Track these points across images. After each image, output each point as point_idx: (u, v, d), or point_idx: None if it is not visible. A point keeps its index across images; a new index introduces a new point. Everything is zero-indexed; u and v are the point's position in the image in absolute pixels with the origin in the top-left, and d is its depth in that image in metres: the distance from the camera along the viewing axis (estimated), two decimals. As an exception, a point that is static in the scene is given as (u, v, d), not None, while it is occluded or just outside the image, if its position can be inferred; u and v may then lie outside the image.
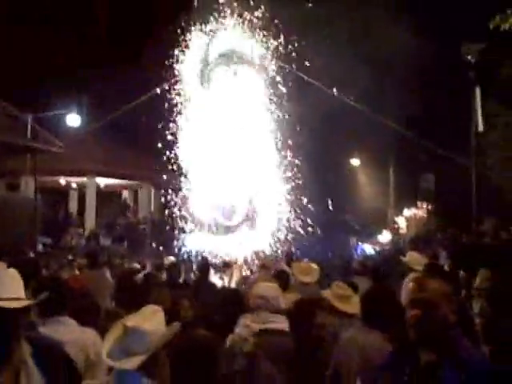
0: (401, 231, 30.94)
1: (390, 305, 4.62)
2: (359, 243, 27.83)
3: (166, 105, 19.15)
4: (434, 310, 3.51)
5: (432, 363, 3.47)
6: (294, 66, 19.17)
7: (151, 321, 3.10)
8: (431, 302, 3.53)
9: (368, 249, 25.65)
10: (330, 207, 24.63)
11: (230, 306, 4.88)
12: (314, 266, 7.50)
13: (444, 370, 3.42)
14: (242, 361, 3.63)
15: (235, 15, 18.86)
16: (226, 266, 11.86)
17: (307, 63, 19.36)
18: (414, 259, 8.87)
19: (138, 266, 12.16)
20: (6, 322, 2.97)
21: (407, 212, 31.50)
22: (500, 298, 6.08)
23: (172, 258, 12.21)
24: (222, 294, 5.57)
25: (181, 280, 9.46)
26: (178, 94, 19.28)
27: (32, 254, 16.06)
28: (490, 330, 5.17)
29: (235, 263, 12.47)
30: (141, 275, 10.12)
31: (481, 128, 16.30)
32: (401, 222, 31.66)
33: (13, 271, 3.16)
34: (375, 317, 4.52)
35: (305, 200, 19.30)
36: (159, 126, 19.11)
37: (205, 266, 9.70)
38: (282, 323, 4.50)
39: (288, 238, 18.34)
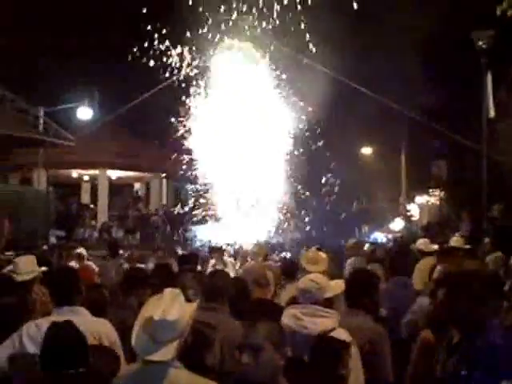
0: (413, 219, 30.85)
1: (374, 288, 4.81)
2: (371, 231, 27.82)
3: (179, 97, 19.26)
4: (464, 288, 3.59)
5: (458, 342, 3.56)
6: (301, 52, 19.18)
7: (174, 307, 3.17)
8: (461, 280, 3.65)
9: (380, 237, 25.60)
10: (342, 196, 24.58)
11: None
12: (323, 254, 7.49)
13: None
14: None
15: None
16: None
17: (316, 50, 19.32)
18: (427, 244, 9.10)
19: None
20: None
21: (419, 199, 31.38)
22: None
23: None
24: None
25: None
26: (190, 85, 19.39)
27: (45, 247, 16.18)
28: None
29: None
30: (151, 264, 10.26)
31: (492, 114, 16.22)
32: (413, 209, 31.55)
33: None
34: (360, 300, 4.77)
35: (316, 189, 19.35)
36: (171, 118, 19.20)
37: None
38: (331, 318, 4.37)
39: (298, 226, 18.43)
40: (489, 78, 15.90)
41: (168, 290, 3.32)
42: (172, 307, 3.17)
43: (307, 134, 19.71)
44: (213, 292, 4.92)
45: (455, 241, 9.98)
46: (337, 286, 4.84)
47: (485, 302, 3.66)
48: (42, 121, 20.27)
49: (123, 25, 24.30)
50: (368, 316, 4.71)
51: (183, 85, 19.54)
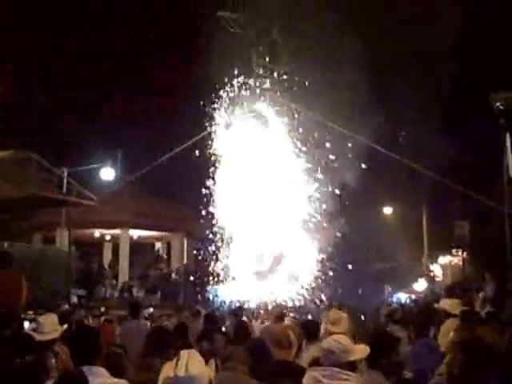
0: (436, 279, 30.48)
1: (392, 350, 4.76)
2: (394, 291, 27.52)
3: (198, 157, 19.43)
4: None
5: None
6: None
7: (194, 365, 3.18)
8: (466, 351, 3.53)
9: (403, 297, 25.30)
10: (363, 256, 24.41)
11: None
12: (344, 315, 7.40)
13: None
14: None
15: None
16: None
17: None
18: (451, 305, 8.81)
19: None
20: None
21: (442, 260, 31.07)
22: None
23: None
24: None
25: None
26: (210, 147, 19.57)
27: (66, 306, 16.18)
28: None
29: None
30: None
31: (512, 174, 16.14)
32: (436, 269, 31.21)
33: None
34: (378, 361, 4.72)
35: (337, 249, 19.24)
36: (191, 178, 19.34)
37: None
38: (352, 381, 4.33)
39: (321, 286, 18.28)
40: (507, 138, 15.89)
41: (185, 351, 3.34)
42: (191, 365, 3.18)
43: (327, 194, 19.73)
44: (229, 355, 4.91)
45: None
46: (361, 351, 4.69)
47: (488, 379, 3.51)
48: (65, 181, 20.48)
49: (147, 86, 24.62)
50: (384, 377, 4.63)
51: (204, 144, 19.75)
